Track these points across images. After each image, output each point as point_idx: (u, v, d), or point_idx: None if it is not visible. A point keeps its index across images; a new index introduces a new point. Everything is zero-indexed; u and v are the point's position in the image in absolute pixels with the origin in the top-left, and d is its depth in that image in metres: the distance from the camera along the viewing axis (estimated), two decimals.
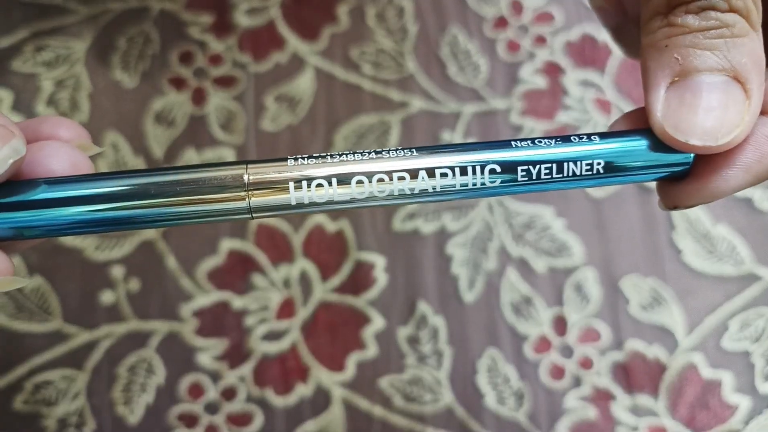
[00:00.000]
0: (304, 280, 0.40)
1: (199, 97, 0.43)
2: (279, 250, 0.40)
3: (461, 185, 0.17)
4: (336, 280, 0.40)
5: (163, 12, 0.44)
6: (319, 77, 0.43)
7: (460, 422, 0.38)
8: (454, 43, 0.44)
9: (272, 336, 0.39)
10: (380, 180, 0.17)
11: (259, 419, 0.38)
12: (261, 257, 0.40)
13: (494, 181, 0.17)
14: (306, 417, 0.38)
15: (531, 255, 0.40)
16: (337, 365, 0.39)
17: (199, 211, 0.16)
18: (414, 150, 0.17)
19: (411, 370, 0.39)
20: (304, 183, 0.16)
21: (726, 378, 0.38)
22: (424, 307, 0.39)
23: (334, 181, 0.16)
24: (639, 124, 0.18)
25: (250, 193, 0.16)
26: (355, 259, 0.40)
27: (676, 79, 0.16)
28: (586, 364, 0.38)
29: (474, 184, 0.17)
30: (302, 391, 0.38)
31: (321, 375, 0.39)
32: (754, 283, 0.39)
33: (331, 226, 0.41)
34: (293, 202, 0.17)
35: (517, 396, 0.38)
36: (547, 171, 0.17)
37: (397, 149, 0.17)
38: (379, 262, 0.40)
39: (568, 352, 0.39)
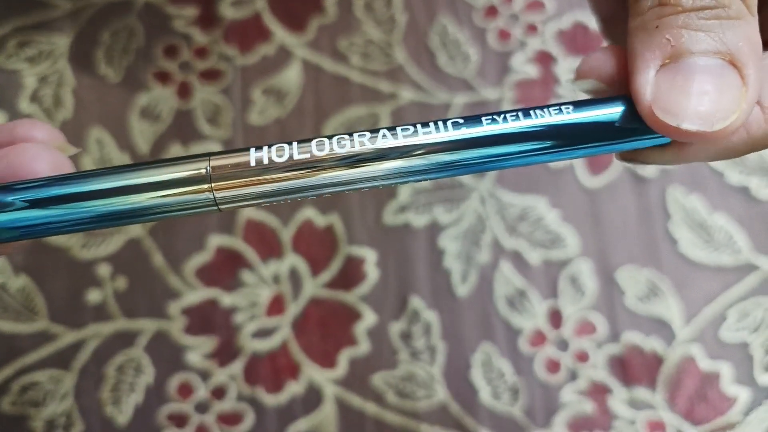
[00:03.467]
0: (294, 275, 0.39)
1: (184, 91, 0.42)
2: (268, 245, 0.40)
3: (422, 166, 0.16)
4: (326, 275, 0.39)
5: (147, 5, 0.43)
6: (307, 69, 0.42)
7: (455, 418, 0.37)
8: (443, 32, 0.43)
9: (262, 333, 0.38)
10: (347, 164, 0.16)
11: (250, 418, 0.37)
12: (249, 253, 0.40)
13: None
14: (298, 415, 0.37)
15: (525, 247, 0.39)
16: (328, 362, 0.38)
17: (164, 207, 0.16)
18: (378, 131, 0.17)
19: (404, 366, 0.38)
20: (267, 170, 0.16)
21: (724, 369, 0.37)
22: (416, 301, 0.39)
23: (296, 166, 0.16)
24: (619, 58, 0.17)
25: (213, 185, 0.16)
26: (345, 253, 0.39)
27: (667, 61, 0.15)
28: (582, 357, 0.38)
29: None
30: (293, 389, 0.38)
31: (312, 372, 0.38)
32: (752, 272, 0.38)
33: (320, 221, 0.40)
34: (257, 191, 0.16)
35: (512, 391, 0.37)
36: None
37: (361, 132, 0.17)
38: (369, 256, 0.39)
39: (563, 345, 0.38)
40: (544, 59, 0.42)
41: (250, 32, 0.43)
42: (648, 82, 0.16)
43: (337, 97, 0.42)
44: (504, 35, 0.43)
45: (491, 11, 0.43)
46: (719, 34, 0.15)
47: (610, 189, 0.40)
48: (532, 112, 0.16)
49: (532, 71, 0.42)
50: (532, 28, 0.43)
